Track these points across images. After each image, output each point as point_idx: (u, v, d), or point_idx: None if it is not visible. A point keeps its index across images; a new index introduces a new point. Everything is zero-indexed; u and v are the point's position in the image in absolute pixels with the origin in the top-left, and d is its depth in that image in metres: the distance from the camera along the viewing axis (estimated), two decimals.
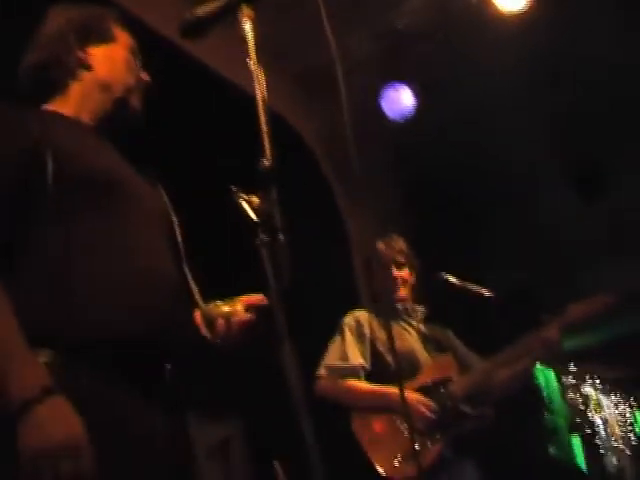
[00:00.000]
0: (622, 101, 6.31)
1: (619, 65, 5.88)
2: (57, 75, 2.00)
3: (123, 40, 2.10)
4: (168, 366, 1.80)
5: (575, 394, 14.44)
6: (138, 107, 2.06)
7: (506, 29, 5.03)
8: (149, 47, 2.18)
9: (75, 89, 2.00)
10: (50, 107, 1.99)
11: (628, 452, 15.94)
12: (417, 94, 5.64)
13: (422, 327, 3.87)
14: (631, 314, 11.09)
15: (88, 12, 2.10)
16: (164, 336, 1.77)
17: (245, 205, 1.58)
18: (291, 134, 5.46)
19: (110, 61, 2.05)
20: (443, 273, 4.03)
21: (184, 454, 1.86)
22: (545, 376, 11.70)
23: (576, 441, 13.21)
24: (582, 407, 14.78)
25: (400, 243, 3.93)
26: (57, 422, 1.48)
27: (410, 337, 3.78)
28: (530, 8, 4.87)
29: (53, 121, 1.90)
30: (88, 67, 2.02)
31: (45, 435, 1.46)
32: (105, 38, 2.06)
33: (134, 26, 2.18)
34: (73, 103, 1.98)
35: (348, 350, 3.62)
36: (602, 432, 16.15)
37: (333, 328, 3.76)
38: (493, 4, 4.89)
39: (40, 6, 2.09)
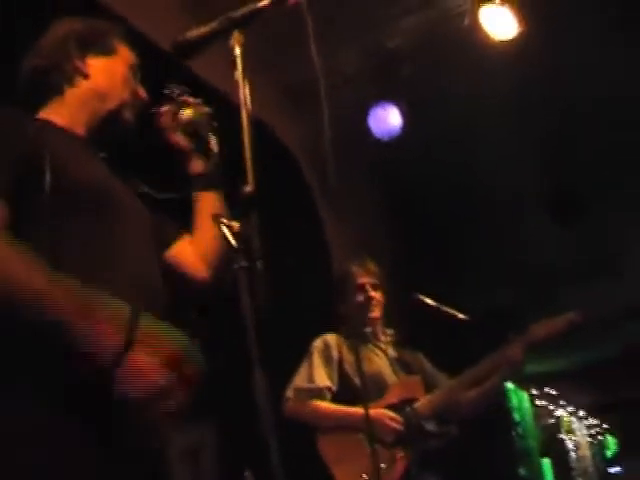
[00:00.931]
0: (605, 130, 6.40)
1: (604, 95, 5.96)
2: (55, 80, 2.02)
3: (124, 55, 2.13)
4: None
5: (547, 417, 14.52)
6: (130, 122, 2.07)
7: (495, 53, 5.08)
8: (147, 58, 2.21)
9: (71, 95, 2.02)
10: (43, 115, 2.00)
11: (598, 475, 16.05)
12: (404, 113, 5.68)
13: (391, 350, 3.92)
14: (603, 340, 11.21)
15: (92, 25, 2.14)
16: None
17: (225, 230, 1.61)
18: (277, 144, 5.49)
19: (108, 73, 2.07)
20: (419, 294, 4.07)
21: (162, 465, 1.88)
22: (518, 398, 11.76)
23: (547, 464, 13.27)
24: (554, 430, 14.85)
25: (373, 266, 3.96)
26: (151, 366, 1.55)
27: (379, 360, 3.83)
28: (520, 35, 4.91)
29: (46, 130, 1.92)
30: (86, 76, 2.04)
31: (147, 379, 1.54)
32: (106, 51, 2.09)
33: (136, 39, 2.21)
34: (67, 110, 2.00)
35: (315, 372, 3.66)
36: (573, 455, 16.24)
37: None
38: (484, 31, 4.93)
39: (45, 18, 2.12)
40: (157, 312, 1.82)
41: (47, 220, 1.74)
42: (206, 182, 2.14)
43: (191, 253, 2.15)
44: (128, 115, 2.07)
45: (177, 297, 2.05)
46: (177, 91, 2.16)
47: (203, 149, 2.12)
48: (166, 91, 2.12)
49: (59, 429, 1.56)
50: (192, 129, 2.13)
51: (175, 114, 2.14)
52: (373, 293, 3.87)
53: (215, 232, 1.98)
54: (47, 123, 1.96)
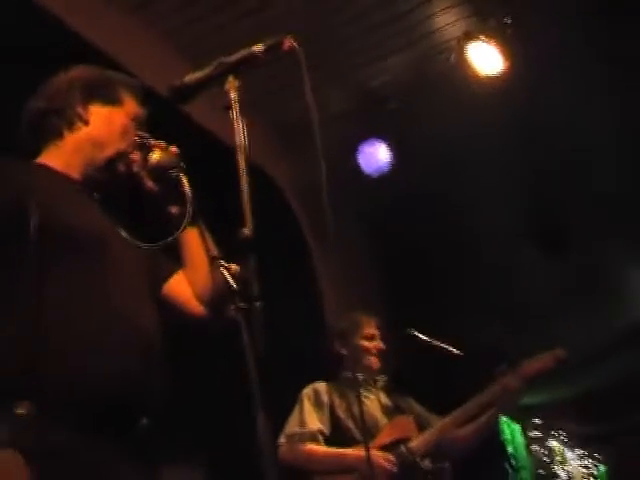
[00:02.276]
0: (592, 168, 6.47)
1: (590, 130, 6.03)
2: (55, 123, 2.06)
3: (128, 107, 2.15)
4: (144, 421, 1.84)
5: (540, 447, 14.45)
6: (124, 172, 2.09)
7: (482, 90, 5.12)
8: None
9: (69, 140, 2.05)
10: (41, 159, 2.03)
11: None
12: (392, 150, 5.71)
13: (382, 395, 3.96)
14: (596, 371, 11.20)
15: (101, 73, 2.18)
16: (140, 392, 1.81)
17: (224, 272, 1.63)
18: (268, 184, 5.52)
19: (108, 122, 2.10)
20: (412, 330, 4.10)
21: None
22: (511, 430, 11.71)
23: None
24: (547, 460, 14.77)
25: (377, 319, 4.05)
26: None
27: (370, 404, 3.87)
28: (507, 71, 4.96)
29: (40, 174, 1.95)
30: (86, 122, 2.07)
31: None
32: (110, 100, 2.12)
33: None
34: (65, 155, 2.03)
35: (306, 417, 3.68)
36: None
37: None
38: (471, 66, 4.98)
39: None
40: (149, 355, 1.85)
41: (32, 265, 1.76)
42: (184, 222, 2.06)
43: (186, 289, 2.15)
44: (122, 166, 2.08)
45: (177, 331, 2.07)
46: (145, 136, 2.15)
47: (175, 190, 2.07)
48: (136, 138, 2.12)
49: None
50: (160, 172, 2.10)
51: (144, 159, 2.12)
52: (382, 345, 3.94)
53: (207, 268, 2.01)
54: (43, 167, 1.99)
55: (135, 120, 2.15)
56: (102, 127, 2.09)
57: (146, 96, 2.24)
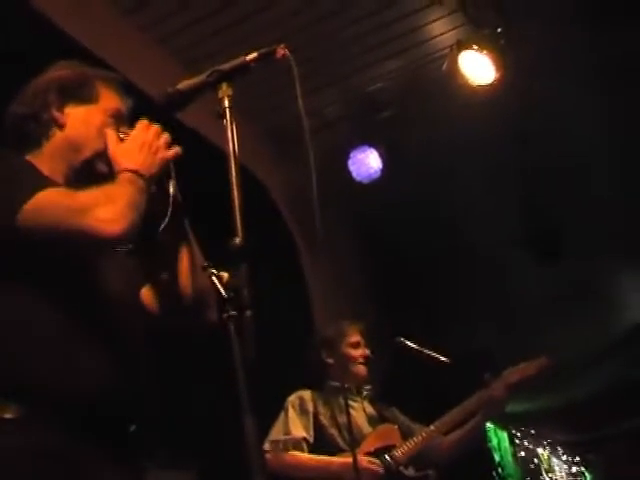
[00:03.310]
0: (585, 175, 6.49)
1: (584, 136, 6.06)
2: (33, 131, 2.02)
3: (105, 103, 2.08)
4: (132, 427, 1.84)
5: (527, 455, 14.47)
6: (104, 172, 1.98)
7: (475, 98, 5.14)
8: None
9: (47, 148, 2.02)
10: (31, 159, 2.01)
11: None
12: (384, 157, 5.72)
13: (367, 405, 3.97)
14: (583, 378, 11.22)
15: (77, 71, 2.11)
16: (128, 397, 1.83)
17: (215, 281, 1.63)
18: (259, 190, 5.52)
19: (83, 123, 2.04)
20: (401, 337, 4.11)
21: None
22: (498, 438, 11.72)
23: None
24: (534, 468, 14.79)
25: (358, 325, 4.04)
26: None
27: (355, 413, 3.87)
28: (499, 80, 4.97)
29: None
30: (61, 126, 2.02)
31: None
32: (85, 99, 2.06)
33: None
34: (47, 161, 1.99)
35: (290, 424, 3.69)
36: None
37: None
38: (463, 75, 5.00)
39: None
40: (136, 360, 1.87)
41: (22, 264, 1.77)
42: (163, 222, 1.98)
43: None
44: (102, 166, 2.00)
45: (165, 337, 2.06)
46: (126, 132, 2.03)
47: (160, 191, 1.97)
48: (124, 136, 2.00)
49: None
50: None
51: None
52: (367, 352, 3.95)
53: (187, 274, 2.01)
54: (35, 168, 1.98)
55: (115, 116, 2.08)
56: (78, 128, 2.03)
57: (127, 89, 2.17)
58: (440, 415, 3.83)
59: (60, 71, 2.11)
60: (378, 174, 5.71)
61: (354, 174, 5.75)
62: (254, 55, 1.89)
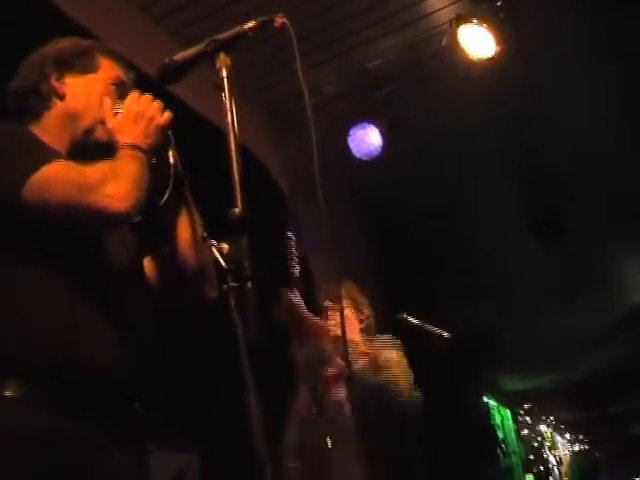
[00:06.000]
0: (586, 155, 6.47)
1: (586, 117, 6.03)
2: (33, 103, 2.01)
3: (106, 72, 2.07)
4: (136, 404, 1.83)
5: (530, 433, 14.54)
6: (104, 139, 1.96)
7: (476, 73, 5.12)
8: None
9: (49, 118, 2.01)
10: (33, 131, 2.00)
11: None
12: (384, 133, 5.70)
13: None
14: (587, 357, 11.26)
15: (74, 43, 2.10)
16: (132, 375, 1.81)
17: (215, 252, 1.61)
18: (258, 167, 5.50)
19: (84, 92, 2.03)
20: (403, 313, 4.11)
21: None
22: (501, 415, 11.78)
23: (530, 479, 13.30)
24: (537, 445, 14.88)
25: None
26: None
27: None
28: (499, 54, 4.94)
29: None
30: (61, 97, 2.01)
31: None
32: (85, 69, 2.05)
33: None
34: (49, 132, 1.98)
35: None
36: (556, 470, 16.25)
37: None
38: (463, 50, 4.96)
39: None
40: (141, 338, 1.85)
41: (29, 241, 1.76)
42: (166, 192, 1.98)
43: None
44: (102, 133, 1.98)
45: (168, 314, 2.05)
46: None
47: (161, 162, 1.95)
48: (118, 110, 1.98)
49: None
50: None
51: None
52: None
53: (190, 245, 1.99)
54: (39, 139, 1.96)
55: (116, 84, 2.07)
56: (79, 98, 2.02)
57: (127, 63, 2.15)
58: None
59: (57, 44, 2.09)
60: (378, 151, 5.69)
61: (354, 151, 5.73)
62: (252, 24, 1.86)
